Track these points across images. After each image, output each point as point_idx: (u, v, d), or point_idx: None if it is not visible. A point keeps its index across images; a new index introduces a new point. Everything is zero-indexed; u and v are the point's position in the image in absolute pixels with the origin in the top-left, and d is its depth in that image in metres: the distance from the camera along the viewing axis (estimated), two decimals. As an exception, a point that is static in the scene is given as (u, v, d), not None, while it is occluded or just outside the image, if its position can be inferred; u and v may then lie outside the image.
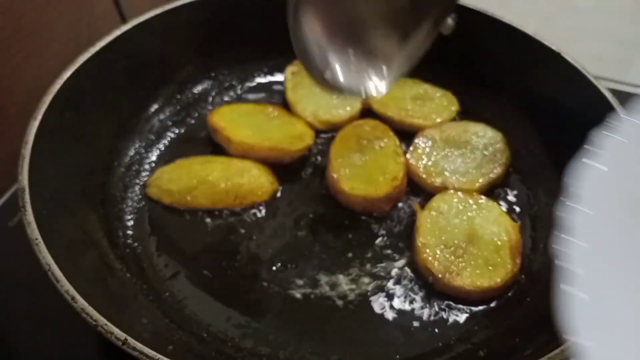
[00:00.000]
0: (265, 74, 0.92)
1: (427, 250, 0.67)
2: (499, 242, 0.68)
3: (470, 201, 0.72)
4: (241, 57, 0.90)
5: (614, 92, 0.70)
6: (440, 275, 0.65)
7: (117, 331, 0.48)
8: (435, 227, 0.69)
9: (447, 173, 0.76)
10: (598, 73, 0.74)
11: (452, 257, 0.66)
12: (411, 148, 0.79)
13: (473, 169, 0.77)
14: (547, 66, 0.78)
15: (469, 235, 0.68)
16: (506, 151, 0.79)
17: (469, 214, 0.71)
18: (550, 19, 1.13)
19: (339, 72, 0.69)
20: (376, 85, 0.73)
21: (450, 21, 0.86)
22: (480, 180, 0.76)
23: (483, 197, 0.73)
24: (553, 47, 0.77)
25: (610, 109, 0.68)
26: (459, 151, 0.79)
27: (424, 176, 0.76)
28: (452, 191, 0.73)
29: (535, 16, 0.97)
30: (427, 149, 0.79)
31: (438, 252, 0.67)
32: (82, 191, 0.68)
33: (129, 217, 0.72)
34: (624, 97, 0.70)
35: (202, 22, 0.84)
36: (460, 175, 0.76)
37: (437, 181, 0.75)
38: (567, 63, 0.75)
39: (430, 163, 0.78)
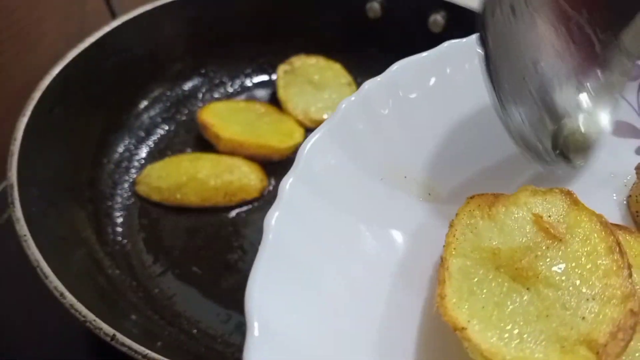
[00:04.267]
0: (256, 71, 0.92)
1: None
2: None
3: None
4: (232, 54, 0.90)
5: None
6: None
7: (105, 327, 0.48)
8: None
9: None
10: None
11: None
12: None
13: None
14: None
15: None
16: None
17: None
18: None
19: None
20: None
21: (439, 19, 0.87)
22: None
23: None
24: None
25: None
26: None
27: None
28: None
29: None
30: None
31: None
32: (71, 188, 0.68)
33: (118, 214, 0.72)
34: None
35: (193, 18, 0.84)
36: None
37: None
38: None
39: None
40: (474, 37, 0.43)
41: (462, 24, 0.85)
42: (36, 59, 0.85)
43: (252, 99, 0.89)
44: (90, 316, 0.48)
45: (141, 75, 0.82)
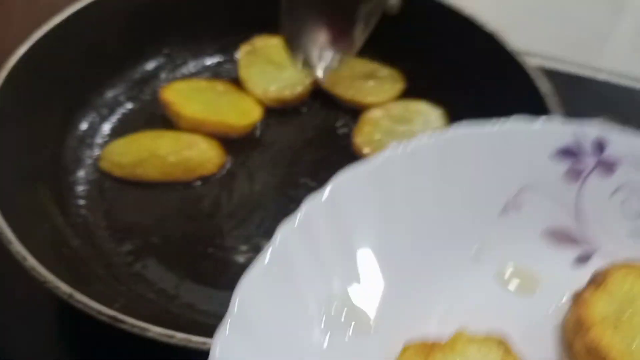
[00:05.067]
0: (218, 51, 0.94)
1: None
2: None
3: None
4: (194, 35, 0.92)
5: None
6: None
7: (63, 285, 0.52)
8: None
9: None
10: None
11: None
12: (355, 128, 0.83)
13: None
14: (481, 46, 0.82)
15: None
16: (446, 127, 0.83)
17: None
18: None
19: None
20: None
21: (394, 1, 0.89)
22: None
23: None
24: (488, 28, 0.81)
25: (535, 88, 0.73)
26: (402, 127, 0.83)
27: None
28: None
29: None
30: (372, 128, 0.83)
31: None
32: (36, 163, 0.71)
33: (82, 189, 0.75)
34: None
35: (158, -2, 0.86)
36: None
37: None
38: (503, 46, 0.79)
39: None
40: (418, 145, 0.40)
41: (418, 7, 0.87)
42: (4, 38, 0.87)
43: (214, 78, 0.92)
44: (50, 277, 0.52)
45: (107, 55, 0.84)
